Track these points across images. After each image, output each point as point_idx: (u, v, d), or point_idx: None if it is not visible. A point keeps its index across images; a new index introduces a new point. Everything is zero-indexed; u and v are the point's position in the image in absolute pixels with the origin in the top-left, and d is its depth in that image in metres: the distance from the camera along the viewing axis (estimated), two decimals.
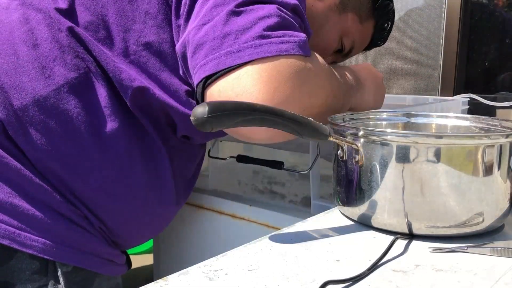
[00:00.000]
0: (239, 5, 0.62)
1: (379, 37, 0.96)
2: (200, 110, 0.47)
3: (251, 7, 0.62)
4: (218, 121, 0.48)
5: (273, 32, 0.61)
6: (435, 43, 1.81)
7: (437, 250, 0.53)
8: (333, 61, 0.94)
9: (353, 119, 0.70)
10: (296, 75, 0.61)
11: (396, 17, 1.83)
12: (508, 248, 0.51)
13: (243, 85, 0.59)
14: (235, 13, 0.61)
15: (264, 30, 0.60)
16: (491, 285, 0.45)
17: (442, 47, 1.81)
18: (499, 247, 0.52)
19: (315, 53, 0.69)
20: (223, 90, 0.60)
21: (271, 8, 0.62)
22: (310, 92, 0.64)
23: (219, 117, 0.48)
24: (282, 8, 0.64)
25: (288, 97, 0.60)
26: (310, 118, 0.55)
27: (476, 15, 1.84)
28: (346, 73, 0.78)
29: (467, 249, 0.52)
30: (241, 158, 0.93)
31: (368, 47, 0.98)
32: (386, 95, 1.34)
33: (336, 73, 0.73)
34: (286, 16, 0.63)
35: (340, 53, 0.93)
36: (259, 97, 0.58)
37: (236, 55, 0.59)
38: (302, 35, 0.64)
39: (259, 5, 0.63)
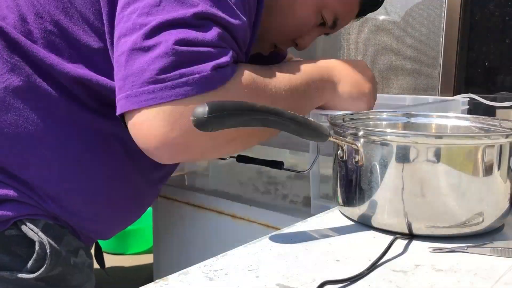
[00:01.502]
0: (143, 38, 0.59)
1: (370, 1, 0.89)
2: (200, 110, 0.47)
3: (152, 41, 0.59)
4: (219, 121, 0.48)
5: (167, 75, 0.58)
6: (435, 43, 1.81)
7: (437, 250, 0.53)
8: (320, 35, 0.90)
9: (353, 119, 0.70)
10: None
11: (396, 17, 1.83)
12: (508, 248, 0.51)
13: (146, 128, 0.60)
14: (136, 50, 0.59)
15: (157, 74, 0.58)
16: (491, 285, 0.45)
17: (442, 47, 1.81)
18: (499, 247, 0.52)
19: (244, 70, 0.65)
20: (134, 129, 0.61)
21: (168, 44, 0.58)
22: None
23: (219, 117, 0.48)
24: (186, 35, 0.59)
25: (190, 131, 0.59)
26: (311, 118, 0.55)
27: (476, 15, 1.84)
28: (302, 70, 0.74)
29: (467, 249, 0.52)
30: (241, 158, 0.93)
31: (360, 14, 0.91)
32: (386, 95, 1.34)
33: (276, 80, 0.69)
34: (184, 50, 0.59)
35: (324, 27, 0.88)
36: (161, 141, 0.60)
37: (133, 99, 0.59)
38: (207, 68, 0.59)
39: (161, 37, 0.59)
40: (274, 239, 0.56)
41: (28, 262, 0.69)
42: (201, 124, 0.47)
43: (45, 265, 0.69)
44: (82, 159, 0.71)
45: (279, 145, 0.97)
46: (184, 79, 0.58)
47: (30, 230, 0.69)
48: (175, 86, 0.58)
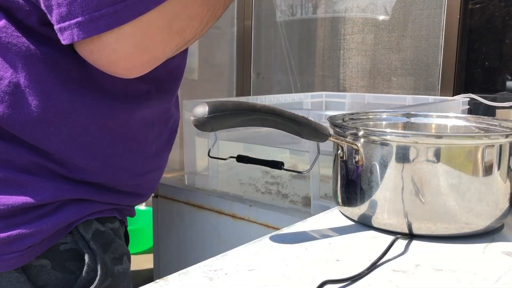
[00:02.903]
0: None
1: None
2: (201, 111, 0.47)
3: None
4: (219, 121, 0.48)
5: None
6: (435, 43, 1.81)
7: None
8: None
9: (353, 119, 0.70)
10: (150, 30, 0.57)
11: (396, 17, 1.83)
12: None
13: (109, 53, 0.56)
14: None
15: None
16: (490, 285, 0.45)
17: (441, 47, 1.81)
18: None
19: None
20: (94, 56, 0.57)
21: None
22: (180, 30, 0.60)
23: (219, 118, 0.48)
24: None
25: (156, 46, 0.58)
26: (311, 119, 0.55)
27: (476, 15, 1.84)
28: None
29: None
30: (241, 158, 0.93)
31: None
32: (386, 95, 1.34)
33: None
34: None
35: None
36: (130, 63, 0.57)
37: (89, 26, 0.55)
38: None
39: None
40: (274, 239, 0.56)
41: (80, 276, 0.66)
42: (202, 124, 0.47)
43: (98, 276, 0.66)
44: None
45: (279, 145, 0.98)
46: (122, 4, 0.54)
47: (82, 238, 0.66)
48: (135, 3, 0.55)
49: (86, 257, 0.66)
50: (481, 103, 1.45)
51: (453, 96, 1.60)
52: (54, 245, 0.65)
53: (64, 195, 0.66)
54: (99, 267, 0.66)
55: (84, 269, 0.66)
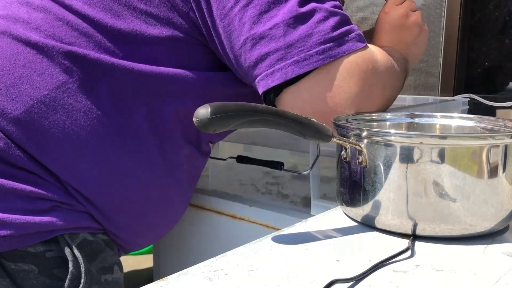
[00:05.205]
0: (298, 6, 0.65)
1: None
2: (203, 112, 0.47)
3: (307, 8, 0.65)
4: (221, 122, 0.47)
5: (335, 33, 0.65)
6: (435, 43, 1.81)
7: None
8: None
9: (356, 119, 0.69)
10: (371, 67, 0.68)
11: None
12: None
13: (330, 84, 0.65)
14: (293, 19, 0.64)
15: (325, 34, 0.64)
16: (491, 285, 0.45)
17: (442, 47, 1.81)
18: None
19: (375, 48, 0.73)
20: (313, 91, 0.66)
21: (326, 7, 0.66)
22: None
23: (222, 119, 0.47)
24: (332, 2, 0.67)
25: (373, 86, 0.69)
26: (313, 119, 0.54)
27: (476, 15, 1.84)
28: (395, 54, 0.81)
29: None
30: (241, 159, 0.93)
31: None
32: None
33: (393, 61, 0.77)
34: (340, 12, 0.67)
35: None
36: (351, 90, 0.66)
37: (305, 62, 0.64)
38: (355, 28, 0.68)
39: (314, 4, 0.65)
40: (274, 239, 0.56)
41: (65, 283, 0.67)
42: (204, 125, 0.47)
43: (82, 284, 0.67)
44: (122, 165, 0.71)
45: (279, 145, 0.97)
46: (348, 37, 0.66)
47: (67, 246, 0.68)
48: (344, 42, 0.65)
49: (70, 265, 0.67)
50: (481, 103, 1.45)
51: (453, 96, 1.59)
52: (39, 251, 0.66)
53: (53, 198, 0.67)
54: (83, 275, 0.67)
55: (68, 276, 0.66)
